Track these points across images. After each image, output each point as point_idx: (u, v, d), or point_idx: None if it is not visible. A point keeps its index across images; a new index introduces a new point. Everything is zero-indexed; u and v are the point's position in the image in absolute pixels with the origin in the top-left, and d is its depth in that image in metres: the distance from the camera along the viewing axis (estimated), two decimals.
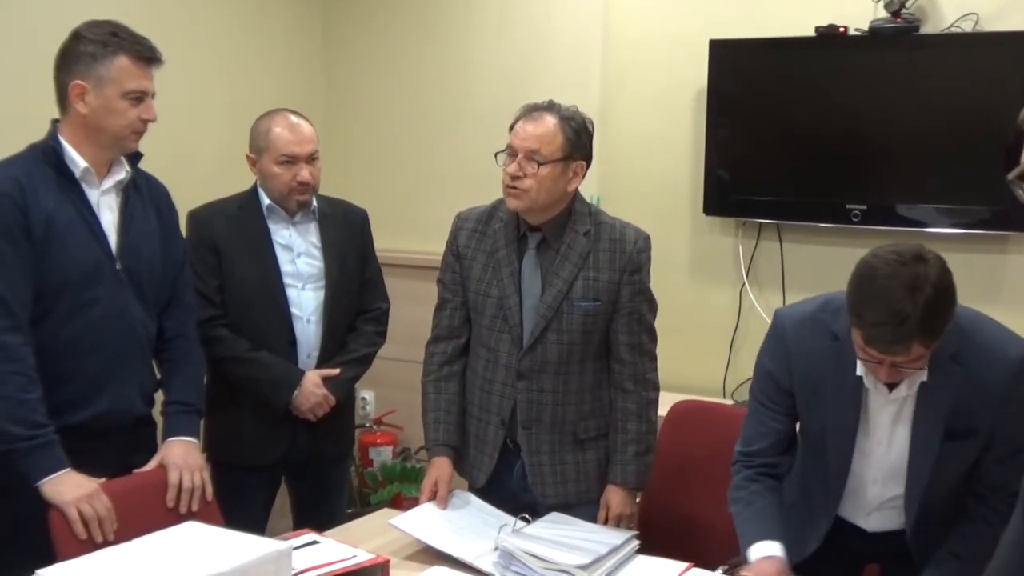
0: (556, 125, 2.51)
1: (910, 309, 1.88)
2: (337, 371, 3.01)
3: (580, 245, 2.57)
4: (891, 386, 2.11)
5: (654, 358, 2.67)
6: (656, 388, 2.67)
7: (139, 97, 2.42)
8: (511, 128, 2.57)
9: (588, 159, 2.59)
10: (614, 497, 2.63)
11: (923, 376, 2.06)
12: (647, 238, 2.64)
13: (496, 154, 2.56)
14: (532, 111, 2.56)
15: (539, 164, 2.48)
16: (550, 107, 2.56)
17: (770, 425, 2.30)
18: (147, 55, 2.44)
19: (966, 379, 2.07)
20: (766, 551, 2.18)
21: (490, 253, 2.64)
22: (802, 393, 2.23)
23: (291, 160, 2.92)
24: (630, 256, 2.59)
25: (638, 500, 2.76)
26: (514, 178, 2.50)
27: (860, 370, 2.10)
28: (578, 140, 2.54)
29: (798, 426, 2.36)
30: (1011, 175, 1.65)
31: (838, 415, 2.18)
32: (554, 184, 2.51)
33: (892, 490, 2.23)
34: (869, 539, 2.33)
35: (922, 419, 2.12)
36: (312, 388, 2.95)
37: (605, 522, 2.60)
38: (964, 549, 2.17)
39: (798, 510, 2.34)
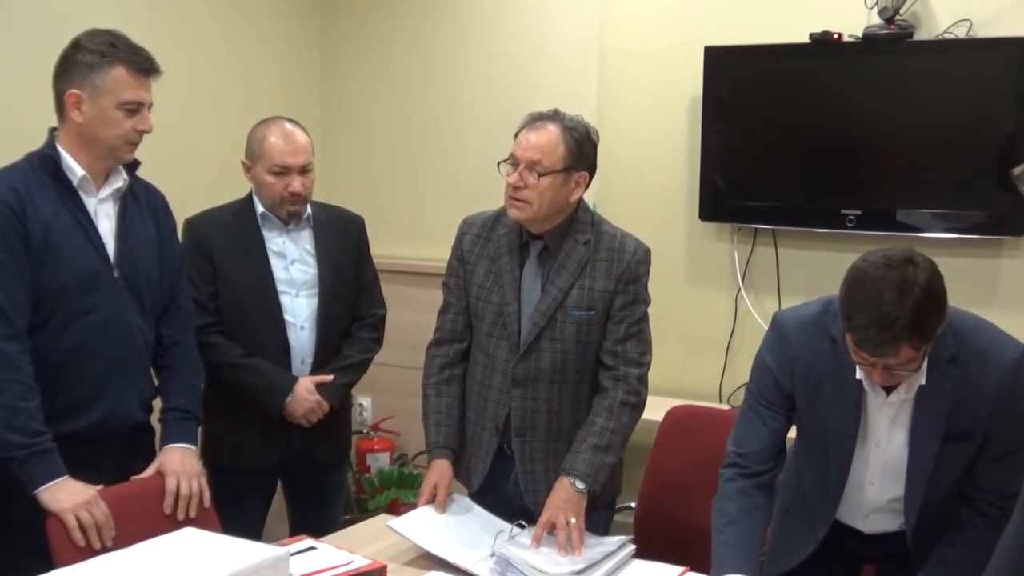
0: (558, 135, 2.49)
1: (898, 312, 1.89)
2: (330, 377, 3.02)
3: (579, 254, 2.56)
4: (889, 389, 2.12)
5: (640, 366, 2.58)
6: (636, 394, 2.57)
7: (135, 108, 2.43)
8: (515, 136, 2.55)
9: (591, 170, 2.57)
10: (553, 493, 2.49)
11: (921, 380, 2.07)
12: (647, 250, 2.62)
13: (499, 163, 2.55)
14: (535, 120, 2.53)
15: (540, 175, 2.47)
16: (554, 116, 2.53)
17: (767, 424, 2.28)
18: (144, 66, 2.44)
19: (963, 381, 2.08)
20: None
21: (492, 259, 2.63)
22: (803, 395, 2.23)
23: (283, 171, 2.93)
24: (627, 266, 2.57)
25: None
26: (516, 188, 2.49)
27: (859, 373, 2.11)
28: (580, 151, 2.52)
29: (795, 429, 2.36)
30: (1016, 171, 1.65)
31: (838, 418, 2.19)
32: (555, 195, 2.50)
33: (889, 492, 2.24)
34: (866, 541, 2.34)
35: (920, 422, 2.13)
36: (304, 394, 2.96)
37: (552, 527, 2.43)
38: (952, 555, 2.18)
39: (796, 513, 2.34)
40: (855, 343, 1.97)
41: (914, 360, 1.99)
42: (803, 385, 2.23)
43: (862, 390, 2.14)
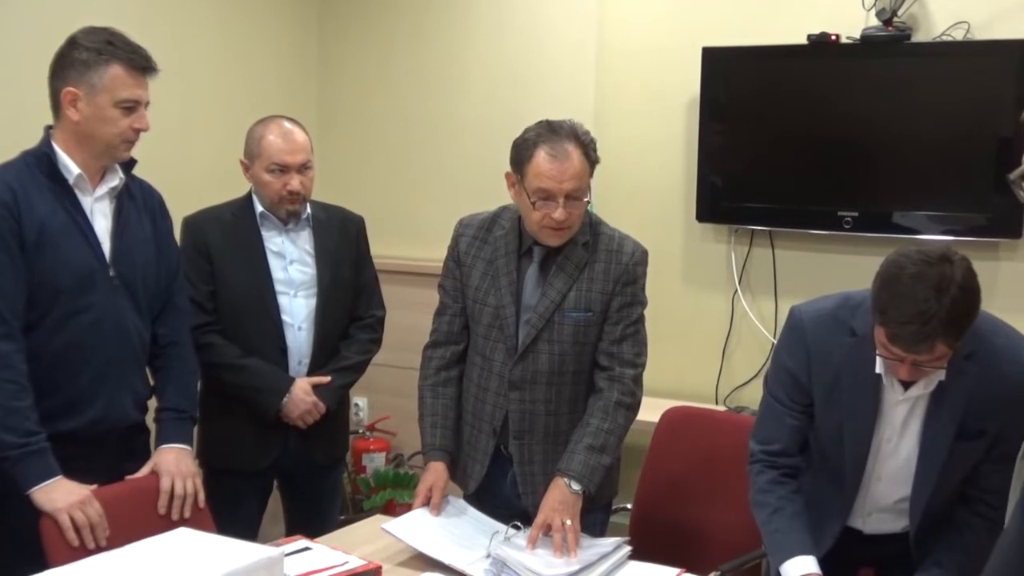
0: (581, 156, 2.45)
1: (935, 309, 1.89)
2: (328, 379, 3.01)
3: (577, 256, 2.55)
4: (906, 384, 2.12)
5: (635, 367, 2.58)
6: (631, 395, 2.57)
7: (132, 106, 2.42)
8: (527, 160, 2.45)
9: None
10: (548, 494, 2.47)
11: (941, 376, 2.07)
12: (645, 252, 2.61)
13: (533, 202, 2.44)
14: (547, 142, 2.44)
15: (579, 199, 2.46)
16: (564, 134, 2.46)
17: (788, 423, 2.30)
18: (141, 64, 2.43)
19: (980, 378, 2.08)
20: (803, 568, 2.17)
21: (489, 261, 2.62)
22: (820, 389, 2.24)
23: (282, 169, 2.93)
24: (625, 268, 2.56)
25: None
26: (562, 221, 2.46)
27: (879, 367, 2.10)
28: (594, 160, 2.51)
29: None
30: (1012, 175, 1.66)
31: (855, 411, 2.19)
32: (584, 208, 2.52)
33: (896, 492, 2.24)
34: (864, 541, 2.33)
35: (934, 418, 2.14)
36: (301, 395, 2.95)
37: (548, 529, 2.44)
38: (948, 558, 2.18)
39: (808, 512, 2.32)
40: (889, 338, 1.98)
41: (944, 356, 1.99)
42: (820, 379, 2.23)
43: (880, 384, 2.15)
